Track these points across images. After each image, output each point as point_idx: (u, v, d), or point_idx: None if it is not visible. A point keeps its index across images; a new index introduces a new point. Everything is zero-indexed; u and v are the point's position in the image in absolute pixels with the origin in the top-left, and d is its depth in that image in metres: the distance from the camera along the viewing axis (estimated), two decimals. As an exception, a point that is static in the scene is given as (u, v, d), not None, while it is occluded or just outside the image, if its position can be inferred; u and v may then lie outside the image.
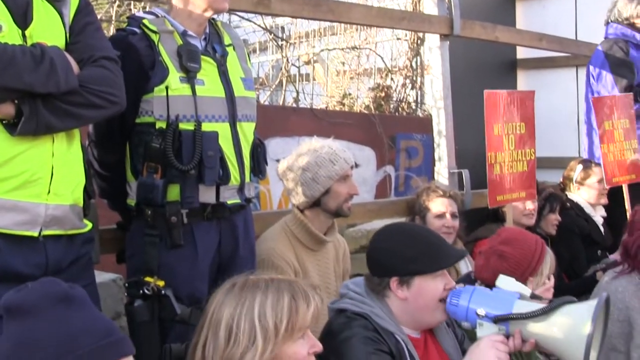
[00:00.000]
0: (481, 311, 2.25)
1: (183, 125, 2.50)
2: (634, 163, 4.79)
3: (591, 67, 5.26)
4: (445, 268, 2.39)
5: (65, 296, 1.37)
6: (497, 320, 2.22)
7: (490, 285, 2.63)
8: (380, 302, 2.39)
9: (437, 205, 3.95)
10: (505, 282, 2.37)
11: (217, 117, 2.60)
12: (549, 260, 2.92)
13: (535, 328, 2.19)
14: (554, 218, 4.51)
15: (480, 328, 2.26)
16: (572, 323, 2.13)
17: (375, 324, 2.32)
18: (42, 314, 1.33)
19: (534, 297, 2.31)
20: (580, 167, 4.83)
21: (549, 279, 2.93)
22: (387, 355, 2.27)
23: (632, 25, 5.20)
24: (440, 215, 3.93)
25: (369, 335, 2.28)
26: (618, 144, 4.73)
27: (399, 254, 2.39)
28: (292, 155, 3.27)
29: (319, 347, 1.86)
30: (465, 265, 3.96)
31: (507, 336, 2.23)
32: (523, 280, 2.84)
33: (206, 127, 2.54)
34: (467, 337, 2.61)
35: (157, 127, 2.50)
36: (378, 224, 4.72)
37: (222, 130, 2.60)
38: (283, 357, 1.78)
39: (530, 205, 4.31)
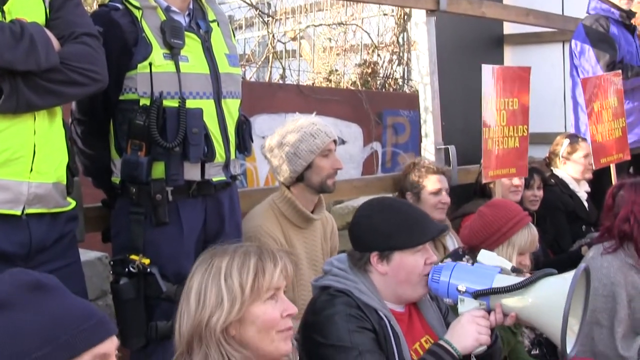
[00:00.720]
0: (462, 287, 2.26)
1: (167, 102, 2.48)
2: (621, 142, 4.81)
3: (574, 42, 5.27)
4: (424, 243, 2.38)
5: (38, 284, 1.35)
6: (477, 295, 2.23)
7: (473, 248, 2.68)
8: (364, 277, 2.40)
9: (433, 182, 3.94)
10: (486, 256, 2.37)
11: (201, 94, 2.58)
12: (527, 236, 2.95)
13: (515, 302, 2.20)
14: (530, 194, 4.49)
15: (461, 304, 2.27)
16: (550, 295, 2.14)
17: (358, 301, 2.32)
18: (19, 304, 1.31)
19: (515, 270, 2.31)
20: (567, 141, 4.84)
21: (522, 255, 2.95)
22: (370, 332, 2.28)
23: (612, 2, 5.21)
24: (436, 192, 3.92)
25: (352, 312, 2.29)
26: (607, 124, 4.74)
27: (378, 228, 2.40)
28: (275, 134, 3.26)
29: (292, 309, 1.84)
30: (452, 241, 3.97)
31: (489, 311, 2.24)
32: (491, 244, 2.92)
33: (190, 103, 2.52)
34: (450, 311, 2.62)
35: (140, 104, 2.48)
36: (365, 200, 4.72)
37: (207, 107, 2.58)
38: (251, 317, 1.77)
39: (517, 181, 4.31)
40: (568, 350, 2.13)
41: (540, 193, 4.52)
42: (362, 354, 2.21)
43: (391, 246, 2.36)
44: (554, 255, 4.41)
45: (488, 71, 3.92)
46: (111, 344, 1.37)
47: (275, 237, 3.09)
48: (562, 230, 4.56)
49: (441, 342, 2.23)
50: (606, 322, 3.24)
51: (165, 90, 2.48)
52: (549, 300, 2.14)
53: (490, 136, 3.94)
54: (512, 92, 4.06)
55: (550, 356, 3.06)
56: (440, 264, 2.39)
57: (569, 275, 2.14)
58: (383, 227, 2.39)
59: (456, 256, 3.14)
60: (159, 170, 2.49)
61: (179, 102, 2.48)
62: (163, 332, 2.44)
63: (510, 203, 3.27)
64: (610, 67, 5.15)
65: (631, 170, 5.28)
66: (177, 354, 1.81)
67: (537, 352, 3.27)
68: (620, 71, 4.97)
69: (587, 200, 4.80)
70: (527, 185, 4.47)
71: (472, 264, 2.76)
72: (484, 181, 4.00)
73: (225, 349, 1.74)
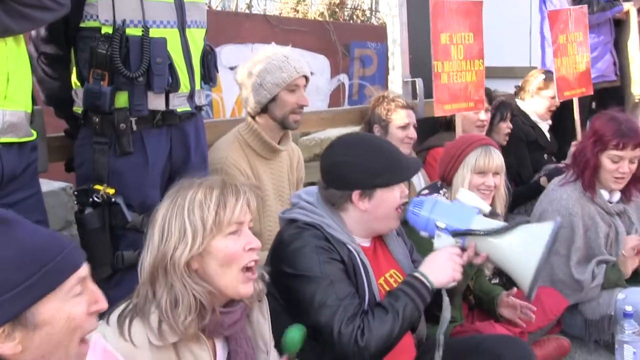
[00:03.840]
0: (441, 224, 2.32)
1: (130, 31, 2.42)
2: (585, 76, 4.85)
3: (541, -24, 5.25)
4: (407, 180, 2.42)
5: (2, 219, 1.34)
6: (456, 234, 2.30)
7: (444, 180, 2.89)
8: (332, 213, 2.42)
9: (401, 116, 3.94)
10: (465, 195, 2.43)
11: (165, 23, 2.53)
12: (481, 155, 3.04)
13: (490, 244, 2.27)
14: (505, 126, 4.55)
15: (438, 239, 2.33)
16: (525, 243, 2.21)
17: (326, 234, 2.36)
18: None
19: (492, 214, 2.38)
20: (542, 77, 4.85)
21: (482, 174, 3.02)
22: (339, 263, 2.32)
23: None
24: (404, 127, 3.93)
25: (321, 244, 2.32)
26: (571, 57, 4.77)
27: (362, 167, 2.41)
28: (248, 62, 3.22)
29: (256, 243, 1.86)
30: (417, 177, 4.00)
31: (463, 249, 2.31)
32: (451, 169, 3.08)
33: (154, 32, 2.47)
34: (415, 249, 2.69)
35: (102, 32, 2.42)
36: (332, 132, 4.73)
37: (171, 36, 2.54)
38: (213, 251, 1.79)
39: (483, 116, 4.35)
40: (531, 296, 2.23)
41: (510, 125, 4.58)
42: (333, 283, 2.25)
43: (376, 184, 2.39)
44: (516, 187, 4.49)
45: (438, 5, 3.90)
46: (87, 267, 1.40)
47: (241, 168, 3.09)
48: (524, 160, 4.63)
49: (417, 275, 2.28)
50: (564, 251, 3.34)
51: (128, 18, 2.42)
52: (524, 248, 2.21)
53: (444, 70, 3.96)
54: (466, 26, 4.05)
55: (509, 285, 3.16)
56: (420, 197, 2.44)
57: (547, 226, 2.20)
58: (367, 166, 2.41)
59: (434, 188, 3.19)
60: (122, 99, 2.46)
61: (142, 30, 2.44)
62: (129, 262, 2.46)
63: (472, 134, 3.34)
64: (577, 1, 5.15)
65: (593, 105, 5.35)
66: (140, 284, 1.83)
67: (497, 281, 3.37)
68: (585, 6, 4.98)
69: (548, 131, 4.87)
70: (502, 118, 4.51)
71: (448, 197, 2.84)
72: (436, 114, 4.03)
73: (188, 282, 1.76)
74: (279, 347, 2.10)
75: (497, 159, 3.06)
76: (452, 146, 3.18)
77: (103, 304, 1.42)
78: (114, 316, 1.78)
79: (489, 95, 4.49)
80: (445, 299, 2.36)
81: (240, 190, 1.86)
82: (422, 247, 2.61)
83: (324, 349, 2.23)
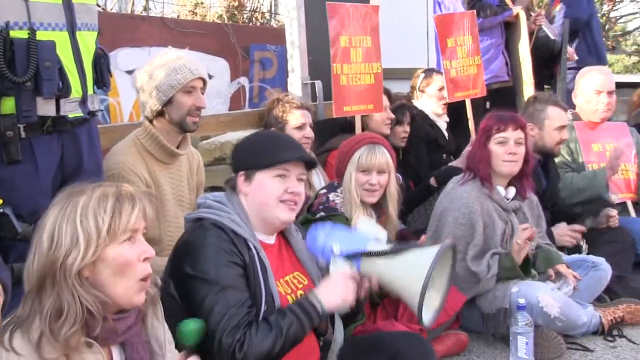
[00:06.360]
0: (336, 248, 2.34)
1: (15, 33, 2.32)
2: (476, 78, 5.02)
3: (436, -21, 5.40)
4: (280, 163, 2.43)
5: None
6: (348, 257, 2.32)
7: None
8: (239, 205, 2.45)
9: (297, 117, 3.96)
10: (364, 223, 2.48)
11: (53, 25, 2.44)
12: (365, 153, 3.13)
13: (381, 266, 2.29)
14: (402, 130, 4.64)
15: (333, 264, 2.35)
16: (414, 265, 2.23)
17: (230, 233, 2.36)
18: None
19: (389, 241, 2.42)
20: (422, 75, 5.01)
21: (366, 173, 3.09)
22: (239, 267, 2.32)
23: None
24: (300, 127, 3.95)
25: (223, 246, 2.32)
26: (461, 60, 4.92)
27: (246, 149, 2.50)
28: (144, 65, 3.16)
29: (150, 253, 1.84)
30: (318, 178, 4.04)
31: (359, 273, 2.32)
32: (341, 167, 3.19)
33: (42, 35, 2.38)
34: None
35: None
36: (232, 135, 4.70)
37: (60, 39, 2.45)
38: (107, 259, 1.75)
39: (392, 115, 4.47)
40: (425, 321, 2.24)
41: (409, 129, 4.67)
42: (224, 289, 2.25)
43: (254, 165, 2.44)
44: (415, 186, 4.58)
45: (335, 9, 3.96)
46: None
47: (139, 173, 3.03)
48: (422, 160, 4.74)
49: (309, 296, 2.31)
50: (463, 249, 3.44)
51: (12, 19, 2.32)
52: (411, 271, 2.23)
53: (344, 72, 4.01)
54: (364, 29, 4.13)
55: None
56: (318, 224, 2.45)
57: (433, 250, 2.23)
58: (250, 147, 2.49)
59: (331, 188, 3.23)
60: (8, 105, 2.36)
61: (29, 33, 2.34)
62: (20, 274, 2.36)
63: (364, 133, 3.42)
64: (471, 4, 5.32)
65: (487, 105, 5.53)
66: (26, 292, 1.76)
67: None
68: (474, 11, 5.15)
69: (446, 130, 5.00)
70: (398, 121, 4.60)
71: (343, 196, 2.88)
72: (335, 115, 4.08)
73: (78, 291, 1.71)
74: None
75: (380, 157, 3.12)
76: (344, 145, 3.27)
77: None
78: None
79: (389, 95, 4.58)
80: (338, 322, 2.38)
81: (135, 197, 1.83)
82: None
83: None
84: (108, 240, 1.75)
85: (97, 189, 1.81)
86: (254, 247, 2.39)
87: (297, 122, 3.95)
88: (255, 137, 2.60)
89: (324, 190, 3.25)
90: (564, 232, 4.11)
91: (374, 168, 3.11)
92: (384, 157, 3.13)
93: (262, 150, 2.46)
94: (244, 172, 2.46)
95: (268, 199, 2.43)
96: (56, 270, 1.70)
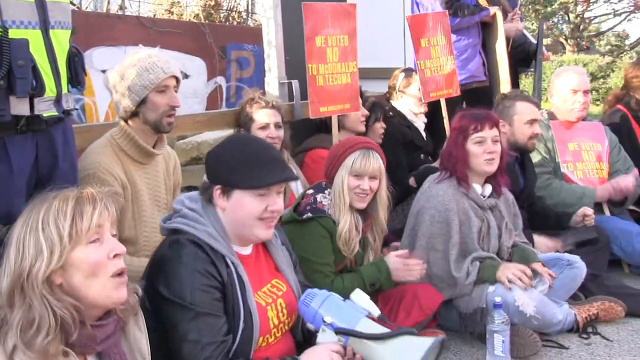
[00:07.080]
0: (328, 319, 2.32)
1: None
2: (450, 78, 5.04)
3: (414, -22, 5.41)
4: (262, 188, 2.36)
5: None
6: (338, 332, 2.30)
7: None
8: (214, 216, 2.39)
9: (261, 116, 3.95)
10: (358, 297, 2.46)
11: (26, 24, 2.41)
12: (359, 159, 3.10)
13: (369, 348, 2.27)
14: (380, 126, 4.67)
15: (322, 334, 2.33)
16: (402, 354, 2.22)
17: (207, 249, 2.30)
18: None
19: (381, 319, 2.40)
20: (402, 75, 5.02)
21: (358, 178, 3.08)
22: (215, 290, 2.27)
23: None
24: (264, 127, 3.94)
25: (199, 268, 2.26)
26: (435, 60, 4.94)
27: (225, 162, 2.39)
28: (117, 65, 3.13)
29: (120, 249, 1.83)
30: (294, 182, 4.02)
31: (345, 347, 2.29)
32: (332, 170, 3.15)
33: (14, 33, 2.34)
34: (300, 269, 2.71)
35: None
36: (208, 135, 4.68)
37: (33, 37, 2.42)
38: (75, 262, 1.75)
39: (366, 112, 4.50)
40: None
41: (384, 125, 4.69)
42: (198, 316, 2.21)
43: (232, 183, 2.36)
44: (394, 187, 4.59)
45: (312, 8, 3.95)
46: None
47: (114, 173, 3.00)
48: (400, 161, 4.74)
49: None
50: (441, 247, 3.45)
51: None
52: (400, 357, 2.22)
53: (320, 72, 4.01)
54: (342, 28, 4.12)
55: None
56: (314, 290, 2.43)
57: (426, 340, 2.23)
58: (229, 161, 2.38)
59: (319, 189, 3.21)
60: (-20, 105, 2.33)
61: (1, 31, 2.31)
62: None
63: (359, 137, 3.40)
64: (449, 4, 5.34)
65: (464, 105, 5.56)
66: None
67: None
68: (446, 11, 5.17)
69: (424, 130, 5.02)
70: (377, 118, 4.62)
71: (331, 198, 2.86)
72: (312, 116, 4.07)
73: (48, 300, 1.70)
74: None
75: (374, 163, 3.11)
76: (337, 147, 3.25)
77: None
78: None
79: (361, 94, 4.59)
80: None
81: (96, 197, 1.82)
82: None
83: None
84: (72, 243, 1.75)
85: (58, 195, 1.81)
86: (232, 263, 2.34)
87: (261, 122, 3.95)
88: (232, 148, 2.43)
89: (312, 191, 3.22)
90: (542, 242, 4.10)
91: (366, 173, 3.10)
92: (377, 162, 3.12)
93: (242, 170, 2.34)
94: (220, 187, 2.37)
95: (246, 218, 2.37)
96: (24, 281, 1.70)
